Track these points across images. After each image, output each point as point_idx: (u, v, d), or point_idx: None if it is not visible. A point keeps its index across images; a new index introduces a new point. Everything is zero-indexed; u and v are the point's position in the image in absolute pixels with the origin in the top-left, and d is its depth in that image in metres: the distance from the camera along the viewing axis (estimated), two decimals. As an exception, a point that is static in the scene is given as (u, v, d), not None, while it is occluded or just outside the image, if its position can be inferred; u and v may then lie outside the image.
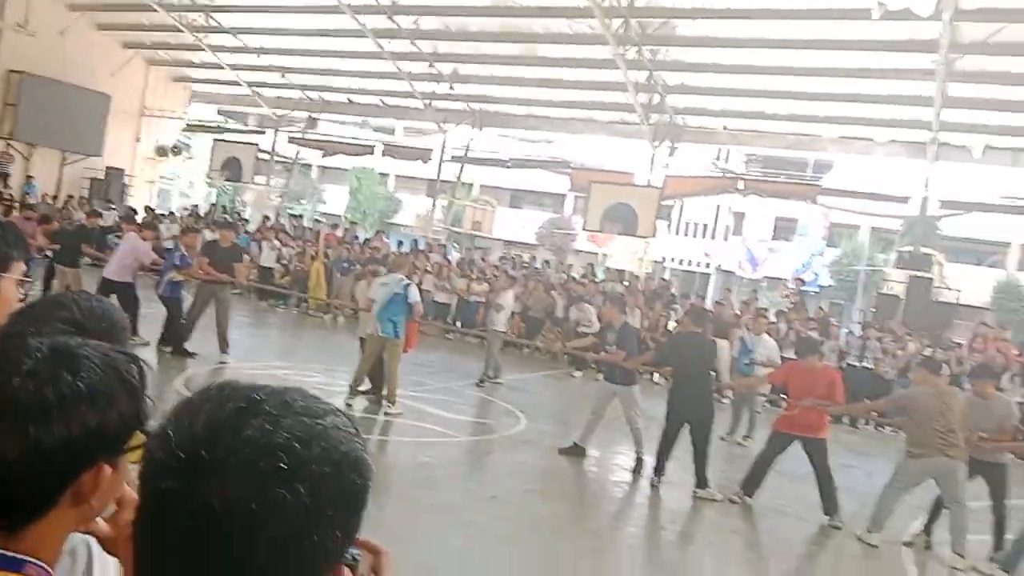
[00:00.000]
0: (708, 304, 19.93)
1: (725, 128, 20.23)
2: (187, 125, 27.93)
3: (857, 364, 14.73)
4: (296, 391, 0.81)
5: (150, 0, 20.99)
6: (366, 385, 9.65)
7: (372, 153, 25.27)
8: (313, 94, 24.78)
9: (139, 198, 24.61)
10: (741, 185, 21.01)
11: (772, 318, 14.60)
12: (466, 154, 23.12)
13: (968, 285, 22.49)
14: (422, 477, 7.20)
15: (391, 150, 25.35)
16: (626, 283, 18.46)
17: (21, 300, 1.60)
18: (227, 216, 22.29)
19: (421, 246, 21.94)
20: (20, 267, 1.64)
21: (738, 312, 15.78)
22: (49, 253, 12.15)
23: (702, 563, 6.50)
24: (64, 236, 12.01)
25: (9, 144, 21.94)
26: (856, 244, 25.81)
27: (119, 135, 24.49)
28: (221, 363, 10.34)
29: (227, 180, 25.61)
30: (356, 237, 20.89)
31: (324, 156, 29.74)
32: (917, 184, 18.40)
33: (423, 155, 23.80)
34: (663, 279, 21.36)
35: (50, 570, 0.96)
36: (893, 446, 8.09)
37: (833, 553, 7.05)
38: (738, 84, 18.14)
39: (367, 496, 0.80)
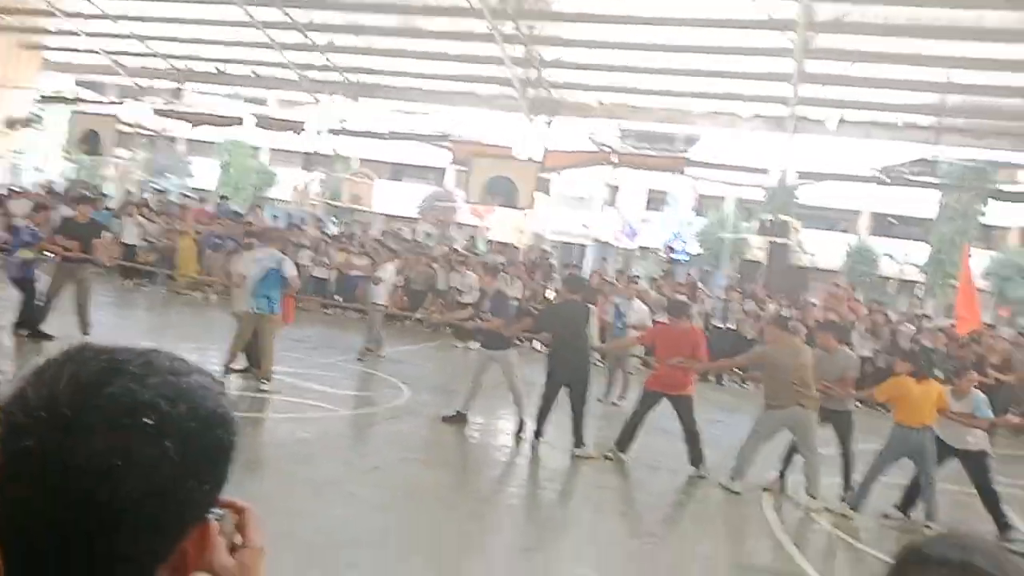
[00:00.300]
0: (586, 273, 20.43)
1: (600, 103, 20.67)
2: (41, 96, 26.02)
3: (721, 326, 15.54)
4: (160, 352, 0.80)
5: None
6: (243, 364, 9.42)
7: (242, 124, 24.32)
8: (179, 63, 23.57)
9: (-14, 174, 22.87)
10: (615, 159, 21.56)
11: (644, 285, 15.17)
12: (342, 127, 22.63)
13: (822, 250, 24.05)
14: (301, 452, 7.12)
15: (264, 122, 24.46)
16: (505, 256, 18.68)
17: None
18: (84, 191, 20.96)
19: (297, 220, 21.41)
20: None
21: (613, 280, 16.29)
22: None
23: (580, 517, 6.77)
24: None
25: None
26: (722, 214, 26.96)
27: (-39, 106, 22.66)
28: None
29: (86, 154, 24.05)
30: (234, 212, 20.11)
31: (192, 128, 28.37)
32: (778, 156, 19.45)
33: (296, 127, 23.15)
34: (543, 250, 21.73)
35: None
36: (756, 402, 8.63)
37: (700, 502, 7.50)
38: (613, 60, 18.58)
39: (233, 453, 0.80)
